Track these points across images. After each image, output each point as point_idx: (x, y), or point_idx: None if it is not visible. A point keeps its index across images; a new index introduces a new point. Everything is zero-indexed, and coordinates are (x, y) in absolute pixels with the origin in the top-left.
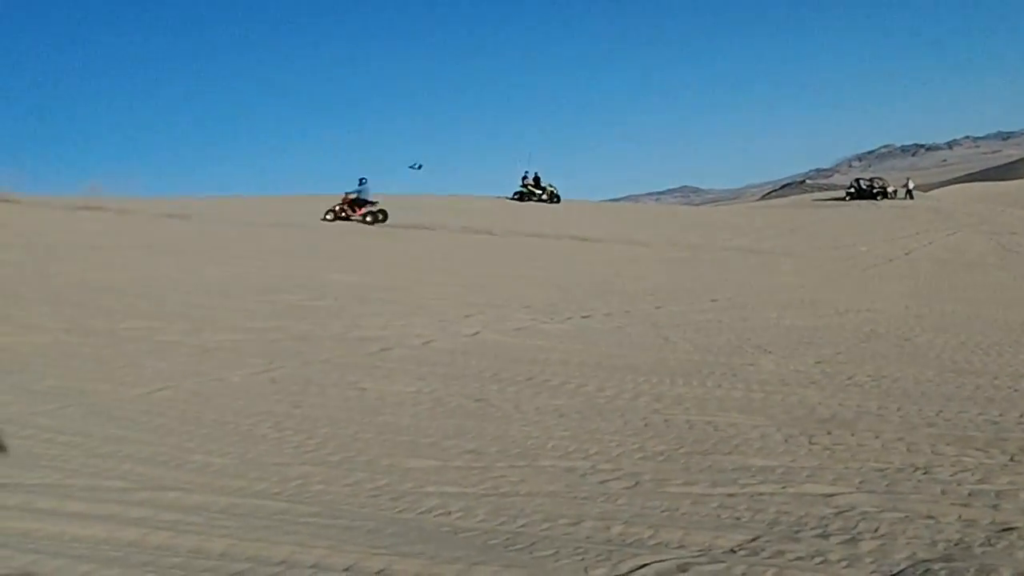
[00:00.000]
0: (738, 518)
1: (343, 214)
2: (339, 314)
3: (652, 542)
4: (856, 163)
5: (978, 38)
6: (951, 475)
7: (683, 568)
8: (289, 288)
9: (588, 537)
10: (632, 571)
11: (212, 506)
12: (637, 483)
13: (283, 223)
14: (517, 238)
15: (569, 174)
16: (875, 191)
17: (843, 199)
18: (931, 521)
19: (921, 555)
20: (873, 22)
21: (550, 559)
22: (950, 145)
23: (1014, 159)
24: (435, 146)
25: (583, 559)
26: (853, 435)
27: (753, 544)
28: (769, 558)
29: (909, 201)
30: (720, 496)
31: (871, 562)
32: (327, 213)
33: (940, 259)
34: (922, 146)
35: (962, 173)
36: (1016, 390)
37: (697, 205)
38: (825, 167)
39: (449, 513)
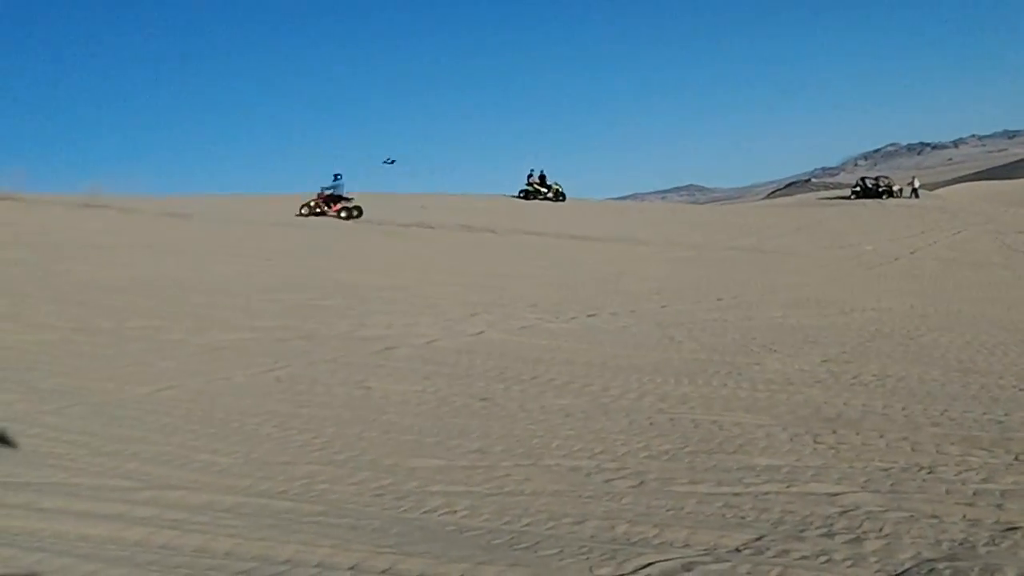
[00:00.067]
0: (743, 517)
1: (318, 210)
2: (344, 313)
3: (657, 541)
4: (861, 162)
5: (983, 36)
6: (956, 475)
7: (688, 567)
8: (294, 287)
9: (593, 536)
10: (637, 570)
11: (217, 505)
12: (642, 482)
13: (284, 222)
14: (522, 237)
15: (574, 173)
16: (880, 190)
17: (848, 198)
18: (936, 520)
19: (926, 554)
20: (879, 21)
21: (555, 558)
22: (956, 144)
23: (1020, 158)
24: (439, 145)
25: (588, 558)
26: (858, 434)
27: (758, 543)
28: (774, 557)
29: (914, 200)
30: (725, 495)
31: (876, 561)
32: (302, 208)
33: (945, 258)
34: (928, 145)
35: (968, 172)
36: (1021, 390)
37: (702, 204)
38: (830, 166)
39: (454, 512)
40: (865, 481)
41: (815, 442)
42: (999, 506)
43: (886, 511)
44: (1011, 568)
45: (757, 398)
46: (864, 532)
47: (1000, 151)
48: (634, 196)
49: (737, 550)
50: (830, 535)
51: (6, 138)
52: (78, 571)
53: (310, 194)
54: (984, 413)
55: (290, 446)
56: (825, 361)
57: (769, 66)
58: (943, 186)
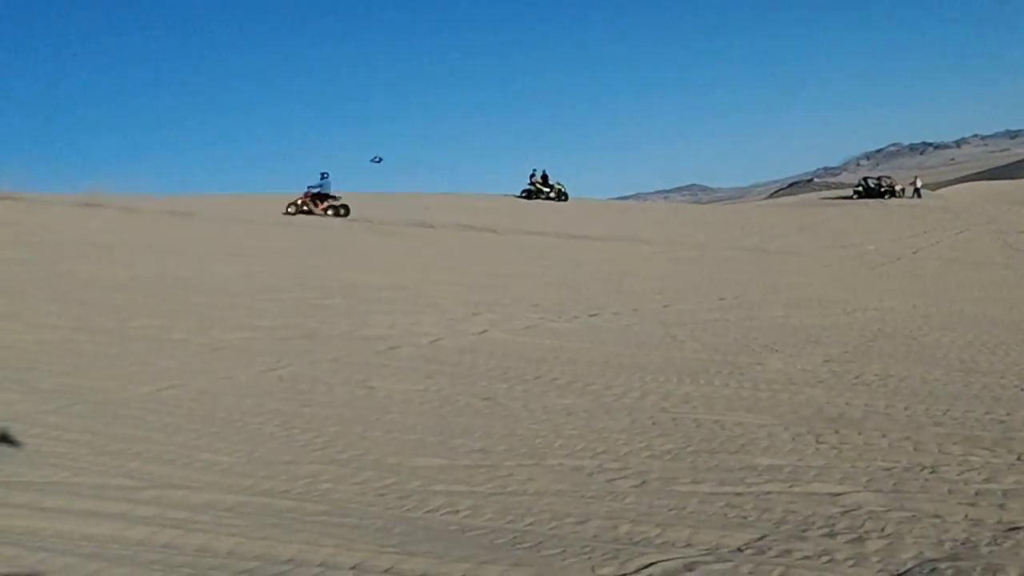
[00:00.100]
0: (745, 517)
1: (304, 208)
2: (347, 313)
3: (659, 541)
4: (864, 162)
5: (986, 36)
6: (958, 474)
7: (690, 567)
8: (296, 287)
9: (595, 536)
10: (639, 570)
11: (220, 504)
12: (644, 482)
13: (284, 222)
14: (524, 236)
15: (577, 172)
16: (883, 190)
17: (851, 198)
18: (938, 520)
19: (928, 554)
20: (881, 20)
21: (557, 558)
22: (958, 144)
23: (1022, 158)
24: (442, 144)
25: (590, 558)
26: (860, 434)
27: (760, 543)
28: (776, 557)
29: (917, 200)
30: (727, 495)
31: (878, 561)
32: (289, 207)
33: (948, 258)
34: (930, 144)
35: (970, 172)
36: (1023, 389)
37: (705, 203)
38: (833, 165)
39: (457, 511)
40: (867, 481)
41: (817, 442)
42: (1001, 506)
43: (888, 511)
44: (1013, 568)
45: (759, 398)
46: (866, 532)
47: (1002, 151)
48: (636, 196)
49: (739, 550)
50: (832, 535)
51: (6, 138)
52: (81, 570)
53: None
54: (986, 413)
55: (292, 445)
56: (827, 361)
57: (772, 66)
58: (945, 186)
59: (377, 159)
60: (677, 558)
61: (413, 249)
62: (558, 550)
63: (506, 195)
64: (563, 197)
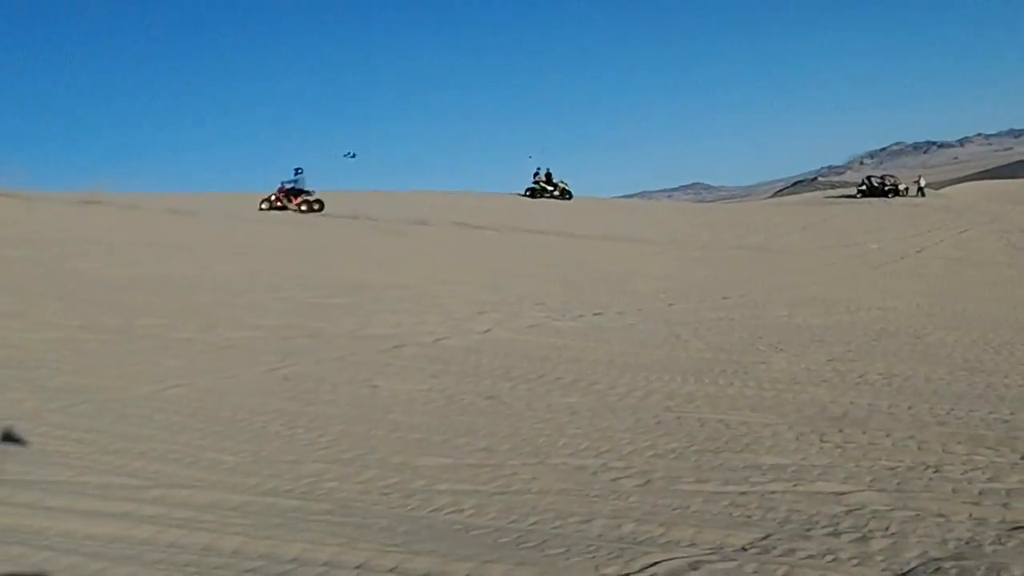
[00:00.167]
0: (749, 516)
1: (279, 204)
2: (351, 312)
3: (663, 540)
4: (868, 160)
5: (990, 35)
6: (962, 473)
7: (694, 566)
8: (301, 285)
9: (599, 535)
10: (643, 569)
11: (224, 503)
12: (648, 481)
13: (284, 220)
14: (529, 235)
15: (581, 171)
16: (887, 188)
17: (855, 196)
18: (942, 519)
19: (932, 553)
20: (885, 19)
21: (561, 557)
22: (962, 143)
23: None
24: (446, 143)
25: (594, 557)
26: (864, 433)
27: (764, 542)
28: (780, 556)
29: (920, 199)
30: (731, 494)
31: (882, 560)
32: (262, 203)
33: (951, 257)
34: (934, 143)
35: (974, 171)
36: None
37: (708, 202)
38: (837, 164)
39: (461, 511)
40: (871, 480)
41: (821, 441)
42: (1005, 505)
43: (892, 510)
44: (1017, 567)
45: (763, 397)
46: (870, 531)
47: (1006, 150)
48: (640, 194)
49: (743, 549)
50: (836, 534)
51: (6, 137)
52: (85, 569)
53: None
54: (990, 412)
55: (297, 444)
56: (831, 360)
57: (775, 65)
58: (949, 185)
59: (351, 154)
60: (681, 557)
61: (417, 248)
62: (562, 549)
63: (510, 194)
64: (567, 196)
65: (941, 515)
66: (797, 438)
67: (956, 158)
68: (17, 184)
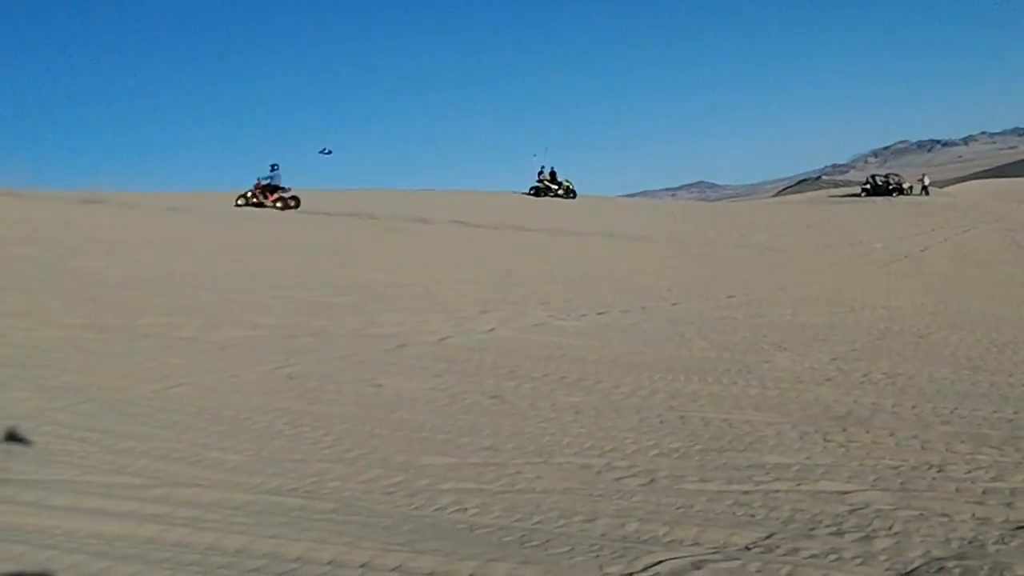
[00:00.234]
0: (753, 515)
1: (255, 200)
2: (354, 311)
3: (667, 539)
4: (872, 159)
5: (994, 33)
6: (965, 473)
7: (698, 565)
8: (303, 284)
9: (603, 534)
10: (647, 568)
11: (228, 503)
12: (652, 480)
13: (285, 219)
14: (532, 234)
15: (584, 170)
16: (891, 187)
17: (859, 195)
18: (945, 519)
19: (935, 553)
20: (889, 17)
21: (565, 556)
22: (966, 141)
23: None
24: (450, 142)
25: (598, 556)
26: (868, 433)
27: (768, 541)
28: (784, 555)
29: (925, 197)
30: (735, 493)
31: (885, 560)
32: (238, 199)
33: (955, 256)
34: (938, 142)
35: (978, 169)
36: None
37: (712, 201)
38: (841, 163)
39: (465, 510)
40: (875, 479)
41: (825, 440)
42: (1009, 504)
43: (896, 509)
44: (1020, 566)
45: (767, 396)
46: (874, 530)
47: (1011, 148)
48: (644, 193)
49: (747, 548)
50: (840, 533)
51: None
52: (89, 568)
53: (312, 190)
54: (994, 411)
55: (301, 444)
56: (835, 359)
57: (779, 63)
58: (953, 183)
59: (326, 151)
60: (685, 556)
61: (420, 247)
62: (566, 548)
63: (514, 193)
64: (571, 194)
65: (945, 514)
66: (801, 437)
67: (960, 157)
68: (18, 183)
